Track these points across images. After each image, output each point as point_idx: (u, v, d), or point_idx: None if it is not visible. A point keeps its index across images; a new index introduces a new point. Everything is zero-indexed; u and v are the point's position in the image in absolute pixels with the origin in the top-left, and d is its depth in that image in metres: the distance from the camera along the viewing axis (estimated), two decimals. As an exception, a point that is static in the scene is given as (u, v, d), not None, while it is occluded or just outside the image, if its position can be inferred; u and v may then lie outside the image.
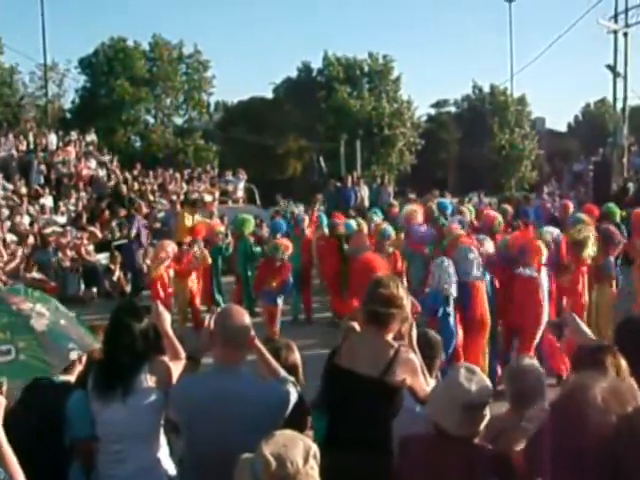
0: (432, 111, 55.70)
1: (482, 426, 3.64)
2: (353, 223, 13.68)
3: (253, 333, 3.98)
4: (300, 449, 2.90)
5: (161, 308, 4.44)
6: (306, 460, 2.88)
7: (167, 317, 4.42)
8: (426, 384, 4.22)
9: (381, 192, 23.53)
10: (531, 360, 4.40)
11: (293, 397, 3.92)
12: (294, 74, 50.78)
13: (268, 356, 4.06)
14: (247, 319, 3.98)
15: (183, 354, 4.31)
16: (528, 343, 8.62)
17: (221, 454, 3.54)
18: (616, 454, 2.14)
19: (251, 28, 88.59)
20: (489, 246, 9.49)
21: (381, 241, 11.85)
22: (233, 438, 3.57)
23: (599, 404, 2.15)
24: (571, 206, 14.86)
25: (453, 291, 8.15)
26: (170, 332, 4.37)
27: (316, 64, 49.89)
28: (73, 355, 3.45)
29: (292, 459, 2.84)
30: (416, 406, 4.29)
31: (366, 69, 49.50)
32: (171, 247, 11.67)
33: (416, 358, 4.21)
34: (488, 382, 3.68)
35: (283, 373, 4.04)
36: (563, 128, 61.46)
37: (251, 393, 3.83)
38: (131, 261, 16.57)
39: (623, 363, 3.27)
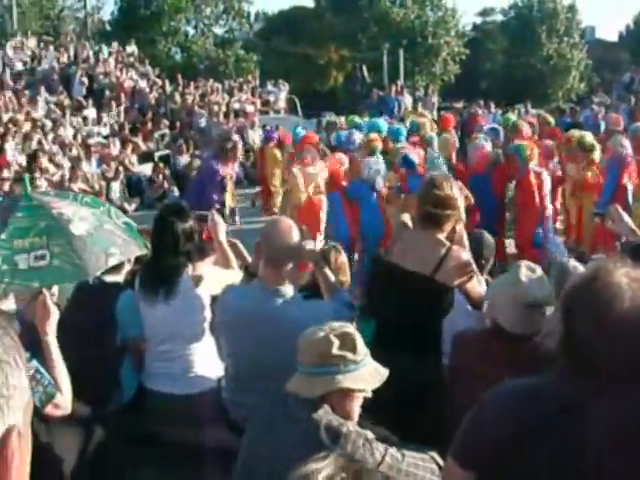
0: (478, 20, 53.96)
1: (541, 325, 3.57)
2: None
3: (309, 248, 3.84)
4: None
5: (217, 216, 4.43)
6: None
7: (222, 226, 4.42)
8: (478, 283, 4.16)
9: (424, 102, 23.13)
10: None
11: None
12: (335, -17, 49.44)
13: (324, 273, 3.87)
14: (295, 235, 3.71)
15: (235, 264, 4.28)
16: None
17: (259, 372, 3.54)
18: None
19: None
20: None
21: None
22: (272, 359, 3.42)
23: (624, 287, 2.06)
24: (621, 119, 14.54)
25: None
26: (224, 241, 4.35)
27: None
28: (112, 260, 3.33)
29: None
30: (467, 305, 4.23)
31: (409, -24, 47.99)
32: None
33: (469, 257, 4.13)
34: (547, 281, 3.59)
35: (339, 292, 3.87)
36: (614, 38, 59.13)
37: (294, 316, 3.52)
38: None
39: None
